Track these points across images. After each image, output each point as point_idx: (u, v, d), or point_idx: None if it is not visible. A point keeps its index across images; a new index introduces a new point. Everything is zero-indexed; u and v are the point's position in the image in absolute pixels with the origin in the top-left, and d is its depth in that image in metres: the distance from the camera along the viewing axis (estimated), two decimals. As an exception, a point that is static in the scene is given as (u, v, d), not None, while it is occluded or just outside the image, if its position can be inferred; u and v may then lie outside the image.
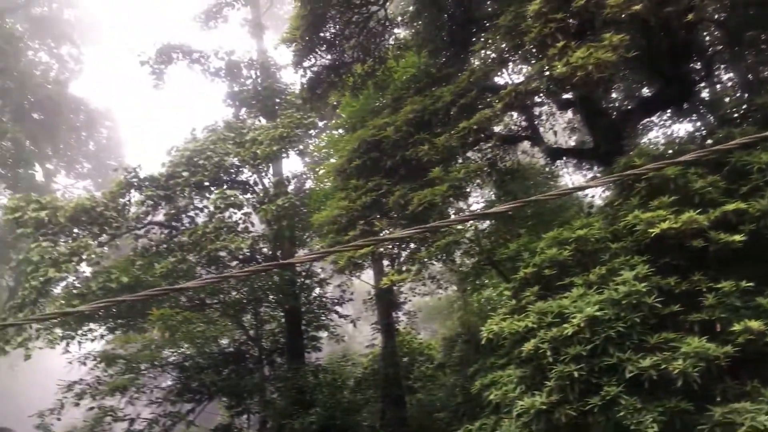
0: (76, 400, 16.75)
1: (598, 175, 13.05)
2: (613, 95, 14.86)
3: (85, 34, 46.31)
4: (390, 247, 13.14)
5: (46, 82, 35.79)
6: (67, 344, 17.38)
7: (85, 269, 17.09)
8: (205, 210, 17.99)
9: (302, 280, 19.27)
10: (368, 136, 12.16)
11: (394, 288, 18.11)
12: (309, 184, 20.72)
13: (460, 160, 11.95)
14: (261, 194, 19.03)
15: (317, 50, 14.97)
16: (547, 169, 16.35)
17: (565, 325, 7.05)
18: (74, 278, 16.77)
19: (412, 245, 13.04)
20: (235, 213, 17.66)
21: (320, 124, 20.67)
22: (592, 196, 15.51)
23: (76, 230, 16.97)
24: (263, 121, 21.22)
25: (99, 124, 40.53)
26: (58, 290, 16.87)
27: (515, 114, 13.57)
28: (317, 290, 20.14)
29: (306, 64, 15.14)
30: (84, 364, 17.63)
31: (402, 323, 20.01)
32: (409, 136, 11.45)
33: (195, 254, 16.78)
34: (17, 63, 32.48)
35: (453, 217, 10.93)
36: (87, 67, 49.14)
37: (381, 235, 11.02)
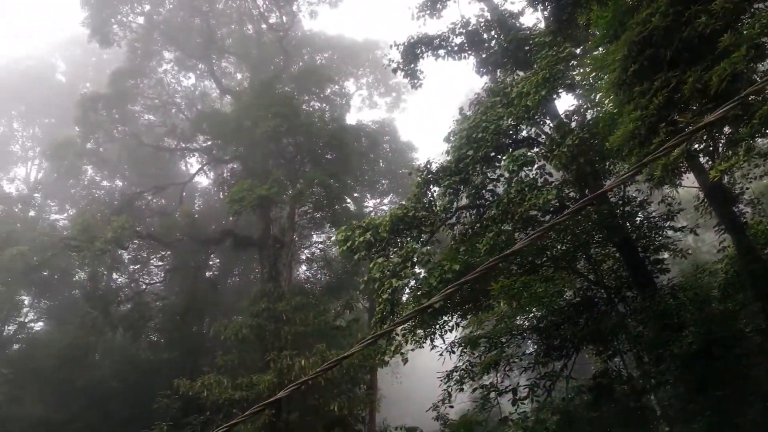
0: (459, 386, 17.96)
1: None
2: None
3: (340, 69, 50.74)
4: (703, 137, 11.91)
5: (325, 124, 39.64)
6: (431, 340, 18.80)
7: (420, 270, 18.40)
8: (501, 178, 18.20)
9: (621, 209, 18.41)
10: (635, 36, 11.21)
11: (725, 181, 16.41)
12: (590, 114, 19.77)
13: (747, 17, 10.42)
14: (547, 143, 18.65)
15: (548, -22, 14.33)
16: None
17: None
18: (414, 281, 18.12)
19: (727, 128, 11.68)
20: (530, 170, 17.57)
21: (578, 51, 19.67)
22: None
23: (399, 239, 18.41)
24: (521, 73, 20.86)
25: (380, 141, 43.81)
26: (405, 296, 18.38)
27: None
28: (640, 214, 19.08)
29: (541, -3, 14.59)
30: (453, 352, 18.84)
31: (747, 215, 18.02)
32: (680, 15, 10.30)
33: (508, 222, 17.05)
34: (298, 118, 36.49)
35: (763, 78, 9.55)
36: (352, 97, 53.46)
37: (687, 130, 10.05)
